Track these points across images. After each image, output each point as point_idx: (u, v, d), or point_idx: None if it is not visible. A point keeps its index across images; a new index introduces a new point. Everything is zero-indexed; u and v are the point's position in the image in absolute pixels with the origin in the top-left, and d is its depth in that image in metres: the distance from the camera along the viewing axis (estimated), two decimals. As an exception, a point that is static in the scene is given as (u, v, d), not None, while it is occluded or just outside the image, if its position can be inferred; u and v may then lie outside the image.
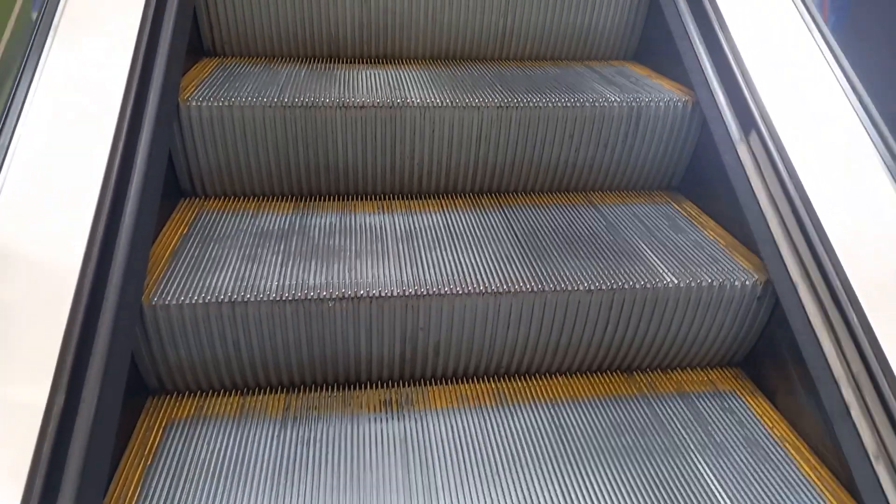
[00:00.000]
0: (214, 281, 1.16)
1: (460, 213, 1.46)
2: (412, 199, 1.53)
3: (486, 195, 1.55)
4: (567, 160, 1.52)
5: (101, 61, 1.24)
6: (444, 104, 1.44)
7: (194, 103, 1.35)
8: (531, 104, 1.46)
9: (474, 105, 1.45)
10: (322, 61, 1.72)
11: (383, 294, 1.16)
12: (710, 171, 1.47)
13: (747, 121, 1.36)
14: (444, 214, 1.45)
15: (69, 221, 1.03)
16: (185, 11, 1.47)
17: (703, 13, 1.53)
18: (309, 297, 1.14)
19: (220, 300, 1.12)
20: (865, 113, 1.30)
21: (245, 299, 1.13)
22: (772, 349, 1.24)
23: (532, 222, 1.42)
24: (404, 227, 1.39)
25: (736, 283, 1.21)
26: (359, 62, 1.75)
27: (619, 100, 1.47)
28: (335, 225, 1.39)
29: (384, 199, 1.52)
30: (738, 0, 1.53)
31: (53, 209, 1.04)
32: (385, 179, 1.51)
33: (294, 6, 1.66)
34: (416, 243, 1.33)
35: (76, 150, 1.12)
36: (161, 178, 1.25)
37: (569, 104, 1.46)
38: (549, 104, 1.46)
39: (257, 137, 1.41)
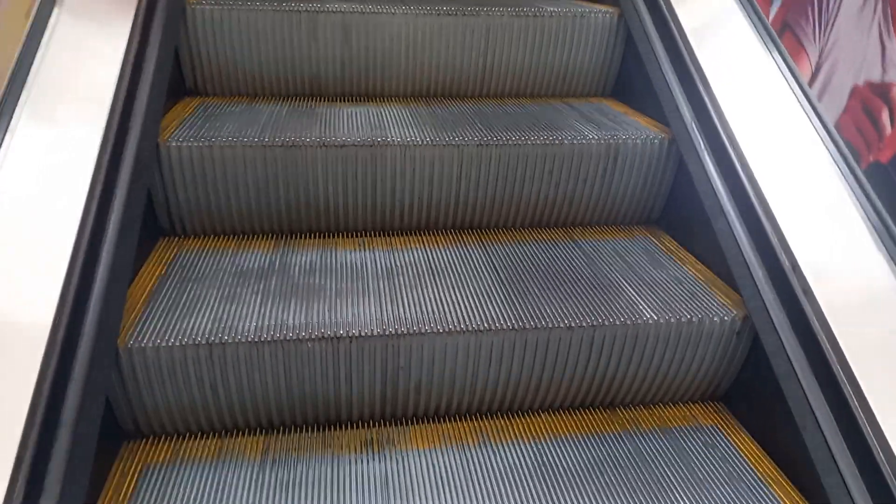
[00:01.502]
0: (192, 323, 1.15)
1: (441, 249, 1.46)
2: (393, 235, 1.53)
3: (467, 231, 1.56)
4: (547, 196, 1.54)
5: (82, 102, 1.24)
6: (425, 142, 1.45)
7: (174, 143, 1.36)
8: (511, 142, 1.47)
9: (454, 143, 1.46)
10: (304, 100, 1.74)
11: (363, 334, 1.15)
12: (688, 206, 1.49)
13: (723, 158, 1.38)
14: (425, 251, 1.45)
15: (45, 264, 1.02)
16: (167, 52, 1.49)
17: (677, 53, 1.57)
18: (288, 338, 1.13)
19: (197, 342, 1.11)
20: (837, 149, 1.33)
21: (223, 341, 1.11)
22: (753, 384, 1.25)
23: (513, 259, 1.43)
24: (385, 264, 1.39)
25: (715, 318, 1.21)
26: (340, 100, 1.76)
27: (597, 137, 1.49)
28: (315, 263, 1.38)
29: (365, 235, 1.52)
30: (711, 41, 1.57)
31: (28, 250, 1.03)
32: (366, 216, 1.52)
33: (276, 46, 1.68)
34: (396, 281, 1.33)
35: (53, 191, 1.11)
36: (139, 219, 1.24)
37: (548, 141, 1.48)
38: (529, 141, 1.48)
39: (237, 177, 1.41)
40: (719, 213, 1.36)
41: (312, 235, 1.51)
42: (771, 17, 1.97)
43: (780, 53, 1.49)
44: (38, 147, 1.13)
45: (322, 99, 1.76)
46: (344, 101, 1.76)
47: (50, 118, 1.18)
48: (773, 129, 1.40)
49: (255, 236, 1.49)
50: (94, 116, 1.22)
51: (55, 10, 1.29)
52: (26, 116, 1.12)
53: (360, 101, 1.77)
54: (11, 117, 1.09)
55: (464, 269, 1.38)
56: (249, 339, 1.12)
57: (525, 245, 1.49)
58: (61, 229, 1.06)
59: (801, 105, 1.40)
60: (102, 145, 1.18)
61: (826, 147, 1.32)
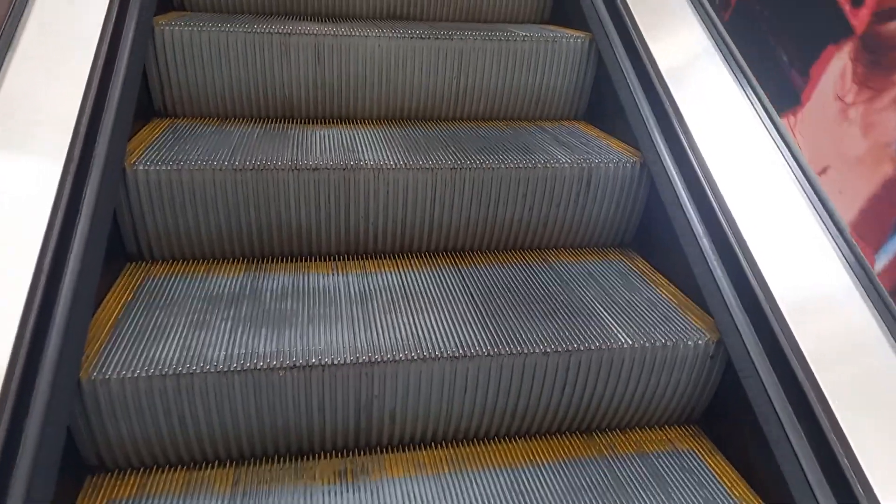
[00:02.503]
0: (159, 351, 1.11)
1: (415, 273, 1.45)
2: (367, 258, 1.52)
3: (442, 254, 1.55)
4: (521, 219, 1.54)
5: (44, 125, 1.21)
6: (398, 166, 1.45)
7: (141, 167, 1.32)
8: (484, 165, 1.47)
9: (428, 166, 1.46)
10: (275, 121, 1.72)
11: (336, 362, 1.13)
12: (660, 229, 1.50)
13: (693, 182, 1.40)
14: (399, 275, 1.44)
15: (3, 293, 0.98)
16: (134, 73, 1.46)
17: (648, 78, 1.60)
18: (259, 367, 1.10)
19: (164, 373, 1.07)
20: (805, 176, 1.35)
21: (191, 371, 1.08)
22: (728, 408, 1.25)
23: (487, 282, 1.42)
24: (358, 289, 1.37)
25: (689, 342, 1.22)
26: (313, 122, 1.75)
27: (570, 161, 1.50)
28: (287, 288, 1.36)
29: (338, 259, 1.50)
30: (681, 67, 1.60)
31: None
32: (339, 240, 1.50)
33: (247, 68, 1.67)
34: (370, 306, 1.31)
35: (12, 219, 1.07)
36: (104, 245, 1.20)
37: (521, 165, 1.48)
38: (502, 165, 1.48)
39: (207, 201, 1.39)
40: (690, 237, 1.37)
41: (284, 259, 1.49)
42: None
43: (749, 81, 1.51)
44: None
45: (294, 121, 1.75)
46: (316, 123, 1.75)
47: (9, 142, 1.15)
48: (741, 155, 1.42)
49: (226, 260, 1.46)
50: (56, 139, 1.19)
51: (18, 30, 1.25)
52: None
53: (333, 123, 1.76)
54: None
55: (438, 293, 1.37)
56: (219, 369, 1.09)
57: (500, 268, 1.49)
58: (21, 258, 1.02)
59: (769, 131, 1.42)
60: (65, 170, 1.15)
61: (794, 173, 1.34)
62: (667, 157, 1.48)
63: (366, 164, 1.44)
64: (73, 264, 1.08)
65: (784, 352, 1.13)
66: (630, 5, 1.76)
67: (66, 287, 1.06)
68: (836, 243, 1.21)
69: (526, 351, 1.17)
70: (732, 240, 1.28)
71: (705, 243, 1.33)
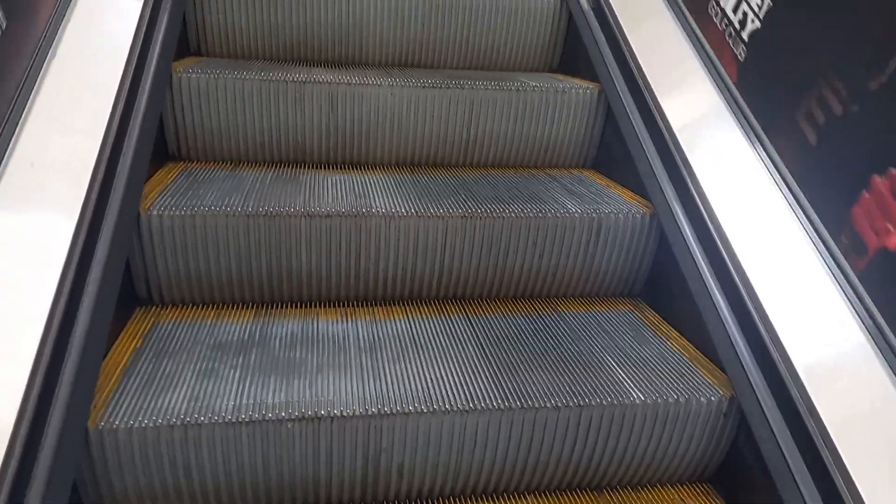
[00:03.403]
0: (167, 401, 1.10)
1: (425, 321, 1.45)
2: (376, 305, 1.51)
3: (451, 302, 1.55)
4: (531, 268, 1.54)
5: (61, 171, 1.22)
6: (409, 213, 1.46)
7: (155, 212, 1.34)
8: (495, 214, 1.48)
9: (439, 214, 1.46)
10: (288, 166, 1.74)
11: (345, 414, 1.11)
12: (671, 280, 1.50)
13: (703, 234, 1.40)
14: (409, 323, 1.43)
15: (15, 340, 0.98)
16: (152, 119, 1.48)
17: (657, 129, 1.61)
18: (267, 418, 1.09)
19: (171, 423, 1.06)
20: (815, 231, 1.35)
21: (199, 421, 1.07)
22: (741, 466, 1.23)
23: (497, 331, 1.41)
24: (368, 336, 1.37)
25: (702, 399, 1.20)
26: (325, 167, 1.77)
27: (580, 210, 1.51)
28: (297, 335, 1.35)
29: (347, 305, 1.50)
30: (690, 119, 1.61)
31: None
32: (349, 286, 1.50)
33: (262, 114, 1.69)
34: (379, 355, 1.30)
35: (28, 264, 1.08)
36: (116, 292, 1.21)
37: (531, 214, 1.49)
38: (513, 214, 1.49)
39: (219, 246, 1.39)
40: (702, 290, 1.37)
41: (294, 305, 1.49)
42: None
43: (757, 135, 1.52)
44: (13, 218, 1.10)
45: (306, 166, 1.76)
46: (328, 168, 1.77)
47: (27, 190, 1.16)
48: (752, 208, 1.42)
49: (236, 306, 1.46)
50: (73, 188, 1.20)
51: (40, 77, 1.27)
52: (2, 185, 1.10)
53: (345, 168, 1.77)
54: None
55: (448, 343, 1.36)
56: (227, 420, 1.08)
57: (509, 317, 1.48)
58: (34, 305, 1.02)
59: (778, 185, 1.42)
60: (80, 218, 1.16)
61: (805, 228, 1.34)
62: (677, 209, 1.49)
63: (377, 211, 1.45)
64: (85, 313, 1.08)
65: (800, 412, 1.11)
66: (638, 56, 1.78)
67: (78, 335, 1.06)
68: (851, 301, 1.20)
69: (537, 405, 1.16)
70: (745, 295, 1.27)
71: (717, 297, 1.33)
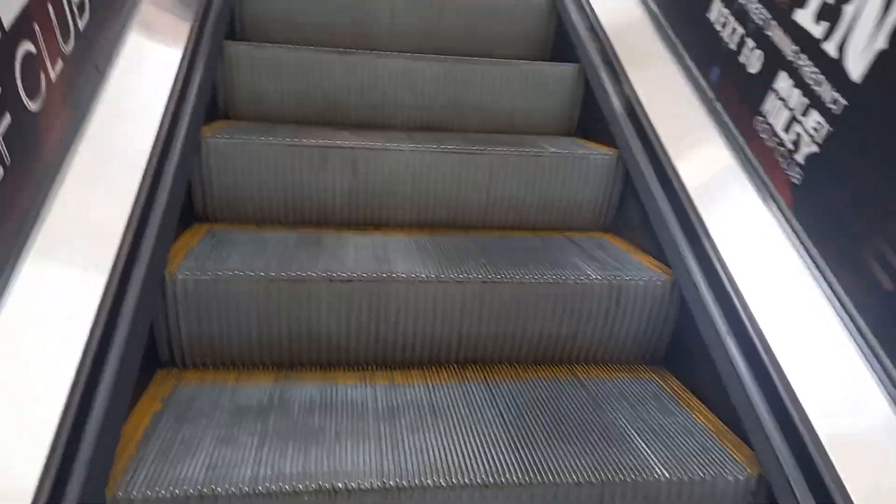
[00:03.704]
0: (185, 470, 1.10)
1: (444, 387, 1.43)
2: (395, 369, 1.51)
3: (471, 367, 1.53)
4: (550, 334, 1.53)
5: (91, 237, 1.25)
6: (430, 278, 1.46)
7: (180, 276, 1.36)
8: (514, 279, 1.49)
9: (459, 279, 1.47)
10: (311, 227, 1.77)
11: (363, 487, 1.10)
12: (693, 349, 1.48)
13: (725, 302, 1.39)
14: (428, 389, 1.42)
15: (40, 402, 0.99)
16: (180, 184, 1.52)
17: (675, 195, 1.62)
18: (284, 490, 1.08)
19: (188, 493, 1.05)
20: (835, 297, 1.33)
21: (216, 492, 1.06)
22: (770, 547, 1.19)
23: (517, 399, 1.40)
24: (386, 403, 1.36)
25: (729, 477, 1.17)
26: (346, 228, 1.79)
27: (599, 277, 1.51)
28: (315, 400, 1.35)
29: (366, 369, 1.50)
30: (708, 184, 1.62)
31: (23, 391, 1.00)
32: (368, 350, 1.50)
33: (286, 177, 1.73)
34: (398, 423, 1.29)
35: (55, 323, 1.09)
36: (140, 355, 1.22)
37: (552, 280, 1.49)
38: (532, 280, 1.49)
39: (241, 309, 1.41)
40: (724, 360, 1.35)
41: (313, 368, 1.49)
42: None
43: (775, 201, 1.53)
44: (44, 278, 1.12)
45: (328, 227, 1.79)
46: (350, 229, 1.79)
47: (58, 254, 1.18)
48: (772, 274, 1.41)
49: (256, 368, 1.46)
50: (102, 252, 1.22)
51: (75, 141, 1.31)
52: (36, 250, 1.12)
53: (366, 229, 1.80)
54: (22, 250, 1.09)
55: (467, 411, 1.35)
56: (244, 491, 1.07)
57: (529, 383, 1.47)
58: (58, 370, 1.03)
59: (798, 251, 1.42)
60: (109, 278, 1.18)
61: (827, 297, 1.33)
62: (698, 276, 1.48)
63: (397, 276, 1.46)
64: (109, 377, 1.09)
65: (828, 488, 1.08)
66: (653, 122, 1.81)
67: (101, 400, 1.07)
68: (877, 373, 1.17)
69: (558, 481, 1.14)
70: (769, 366, 1.25)
71: (741, 368, 1.31)
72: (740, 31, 1.55)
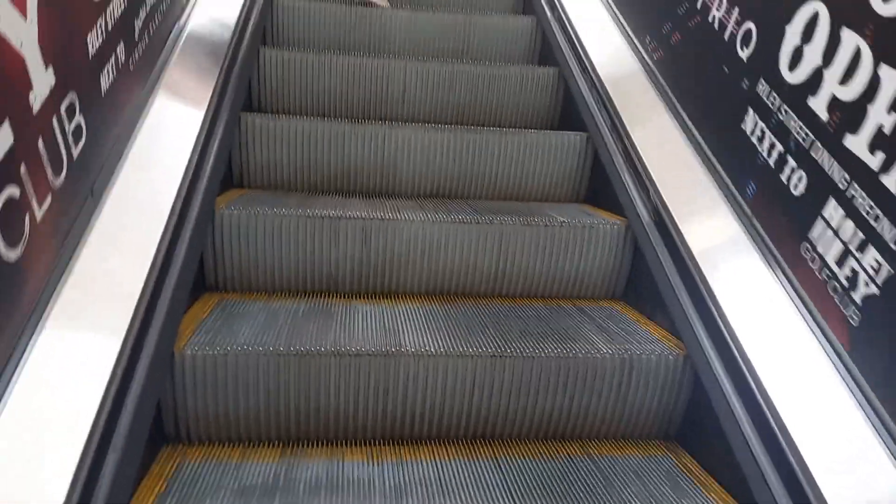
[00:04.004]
0: (187, 557, 1.07)
1: (453, 464, 1.41)
2: (403, 444, 1.48)
3: (480, 442, 1.51)
4: (562, 409, 1.51)
5: (104, 307, 1.26)
6: (439, 352, 1.46)
7: (189, 352, 1.36)
8: (525, 353, 1.47)
9: (469, 353, 1.46)
10: (321, 297, 1.77)
11: (369, 576, 1.07)
12: (707, 425, 1.45)
13: (739, 378, 1.37)
14: (436, 466, 1.40)
15: (45, 483, 0.98)
16: (192, 256, 1.54)
17: (684, 266, 1.62)
18: (288, 579, 1.05)
19: (190, 582, 1.03)
20: (849, 374, 1.30)
21: (218, 581, 1.03)
22: None
23: (527, 477, 1.37)
24: (393, 481, 1.33)
25: (746, 567, 1.13)
26: (356, 297, 1.80)
27: (610, 351, 1.50)
28: (321, 479, 1.32)
29: (374, 444, 1.47)
30: (714, 253, 1.62)
31: (31, 468, 0.99)
32: (376, 425, 1.48)
33: (297, 248, 1.75)
34: (405, 503, 1.26)
35: (63, 399, 1.09)
36: (146, 432, 1.21)
37: (562, 354, 1.48)
38: (542, 353, 1.48)
39: (249, 384, 1.40)
40: (740, 439, 1.31)
41: (320, 443, 1.47)
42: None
43: (784, 272, 1.51)
44: (57, 354, 1.12)
45: (338, 296, 1.80)
46: (360, 298, 1.79)
47: (72, 321, 1.19)
48: (785, 350, 1.39)
49: (261, 444, 1.44)
50: (115, 322, 1.23)
51: (98, 208, 1.32)
52: (54, 316, 1.12)
53: (376, 299, 1.80)
54: (41, 318, 1.09)
55: (476, 490, 1.32)
56: (247, 580, 1.04)
57: (539, 461, 1.44)
58: (65, 451, 1.03)
59: (806, 320, 1.39)
60: (119, 354, 1.18)
61: (835, 367, 1.30)
62: (710, 350, 1.46)
63: (406, 349, 1.45)
64: (113, 459, 1.08)
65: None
66: (661, 191, 1.82)
67: (105, 482, 1.05)
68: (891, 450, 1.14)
69: (570, 570, 1.10)
70: (785, 447, 1.22)
71: (756, 448, 1.27)
72: (779, 147, 1.41)
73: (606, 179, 2.08)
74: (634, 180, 1.92)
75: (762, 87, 1.50)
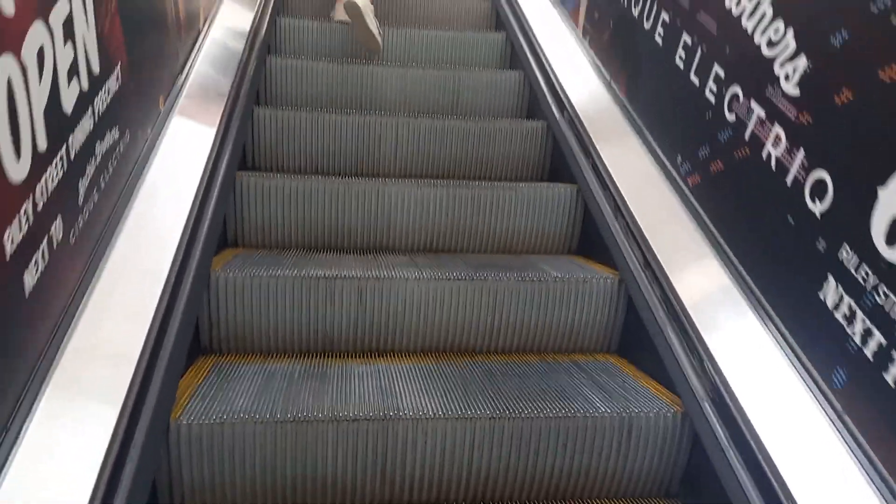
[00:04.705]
0: None
1: (453, 530, 1.39)
2: (402, 510, 1.46)
3: (480, 505, 1.49)
4: (562, 469, 1.50)
5: (101, 377, 1.25)
6: (437, 415, 1.45)
7: (185, 422, 1.35)
8: (523, 414, 1.47)
9: (467, 416, 1.46)
10: (316, 358, 1.77)
11: None
12: (707, 482, 1.44)
13: (737, 436, 1.37)
14: (436, 533, 1.38)
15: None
16: (188, 321, 1.54)
17: (679, 321, 1.63)
18: None
19: None
20: (847, 430, 1.30)
21: None
22: None
23: (529, 544, 1.35)
24: (394, 551, 1.31)
25: None
26: (352, 357, 1.79)
27: (609, 410, 1.49)
28: (320, 550, 1.30)
29: (373, 511, 1.45)
30: (706, 306, 1.63)
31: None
32: (374, 491, 1.46)
33: (293, 308, 1.75)
34: (406, 576, 1.24)
35: (63, 479, 1.07)
36: (141, 512, 1.19)
37: (560, 414, 1.48)
38: (541, 414, 1.47)
39: (245, 453, 1.38)
40: (740, 496, 1.31)
41: (316, 512, 1.44)
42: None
43: (775, 325, 1.52)
44: (51, 434, 1.11)
45: (334, 356, 1.79)
46: (355, 357, 1.79)
47: (71, 398, 1.17)
48: (780, 405, 1.40)
49: (257, 514, 1.41)
50: (111, 393, 1.22)
51: (95, 274, 1.32)
52: (52, 387, 1.11)
53: (372, 358, 1.79)
54: (37, 395, 1.07)
55: (478, 559, 1.29)
56: None
57: (541, 525, 1.42)
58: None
59: (798, 372, 1.38)
60: (115, 429, 1.16)
61: (831, 421, 1.29)
62: (707, 407, 1.46)
63: (404, 413, 1.44)
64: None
65: None
66: (651, 243, 1.84)
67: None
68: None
69: None
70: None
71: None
72: (879, 338, 1.11)
73: (597, 230, 2.10)
74: (625, 232, 1.95)
75: (846, 255, 1.20)
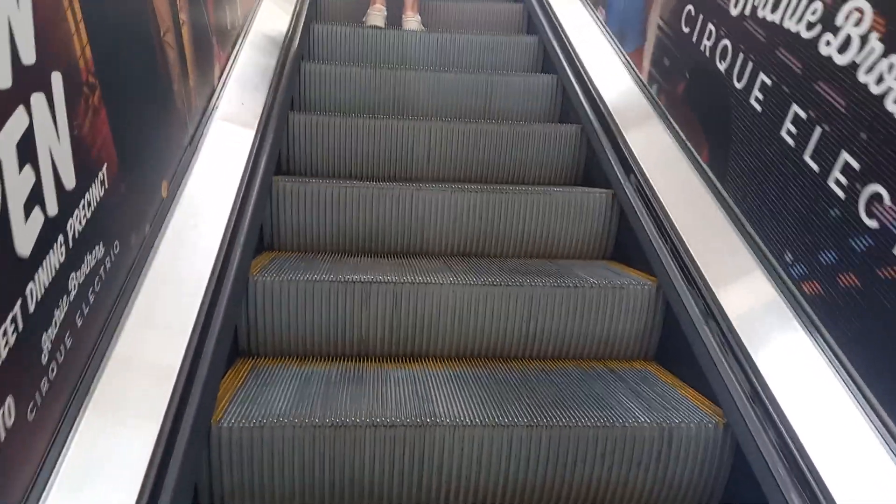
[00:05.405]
0: None
1: (490, 539, 1.38)
2: (439, 517, 1.46)
3: (516, 514, 1.48)
4: (600, 479, 1.48)
5: (143, 386, 1.27)
6: (474, 422, 1.44)
7: (225, 424, 1.36)
8: (561, 423, 1.45)
9: (504, 423, 1.45)
10: (352, 362, 1.77)
11: None
12: (750, 496, 1.41)
13: (783, 449, 1.33)
14: (473, 541, 1.37)
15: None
16: (227, 328, 1.55)
17: (720, 331, 1.59)
18: None
19: None
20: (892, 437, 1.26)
21: None
22: None
23: (568, 555, 1.33)
24: (431, 559, 1.30)
25: None
26: (387, 361, 1.79)
27: (649, 420, 1.47)
28: (358, 556, 1.30)
29: (409, 517, 1.45)
30: (749, 316, 1.59)
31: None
32: (411, 497, 1.46)
33: (329, 313, 1.76)
34: (444, 584, 1.23)
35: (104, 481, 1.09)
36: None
37: (598, 423, 1.46)
38: (579, 423, 1.46)
39: (284, 456, 1.39)
40: (787, 512, 1.28)
41: (354, 516, 1.45)
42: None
43: (820, 333, 1.48)
44: (95, 441, 1.13)
45: (370, 360, 1.80)
46: (391, 362, 1.79)
47: (117, 403, 1.19)
48: (830, 421, 1.36)
49: (295, 518, 1.42)
50: (154, 403, 1.24)
51: (139, 278, 1.34)
52: (96, 396, 1.13)
53: (407, 362, 1.79)
54: (82, 404, 1.09)
55: (516, 569, 1.28)
56: None
57: (579, 535, 1.40)
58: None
59: (847, 386, 1.35)
60: (158, 437, 1.18)
61: (883, 439, 1.26)
62: (753, 418, 1.42)
63: (441, 420, 1.44)
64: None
65: None
66: (691, 249, 1.81)
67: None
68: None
69: None
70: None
71: (806, 525, 1.23)
72: None
73: (633, 236, 2.07)
74: (662, 236, 1.92)
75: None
